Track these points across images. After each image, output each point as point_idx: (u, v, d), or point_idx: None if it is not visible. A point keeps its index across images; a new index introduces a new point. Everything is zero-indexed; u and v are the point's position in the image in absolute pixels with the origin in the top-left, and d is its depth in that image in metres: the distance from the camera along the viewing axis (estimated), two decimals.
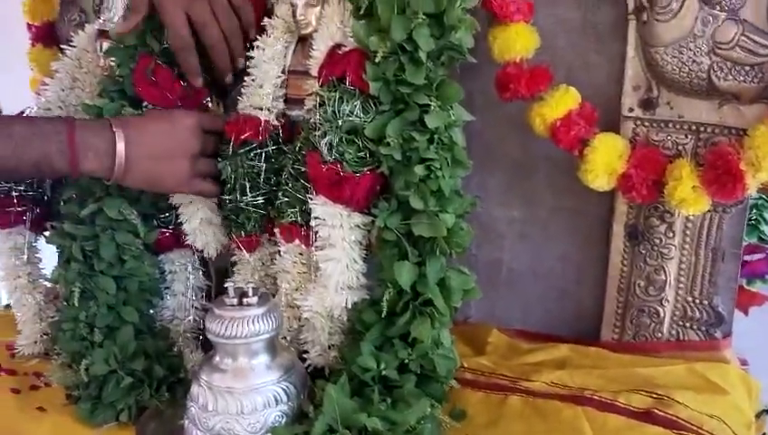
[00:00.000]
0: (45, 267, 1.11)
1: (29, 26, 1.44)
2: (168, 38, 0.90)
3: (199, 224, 0.96)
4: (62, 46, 1.11)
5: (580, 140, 0.88)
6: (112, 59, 0.96)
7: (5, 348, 1.07)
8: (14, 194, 1.05)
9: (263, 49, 0.91)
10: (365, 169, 0.80)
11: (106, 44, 1.04)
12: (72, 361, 0.91)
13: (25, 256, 1.08)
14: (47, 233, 1.10)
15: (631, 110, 0.90)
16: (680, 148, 0.88)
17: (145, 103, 0.93)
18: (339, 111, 0.80)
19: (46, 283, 1.10)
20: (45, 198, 1.08)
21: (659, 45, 0.85)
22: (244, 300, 0.78)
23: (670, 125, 0.89)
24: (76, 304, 0.92)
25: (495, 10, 0.87)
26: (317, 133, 0.81)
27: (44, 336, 1.06)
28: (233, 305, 0.78)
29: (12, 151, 0.81)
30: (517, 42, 0.88)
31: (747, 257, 1.25)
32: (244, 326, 0.76)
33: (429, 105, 0.77)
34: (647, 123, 0.90)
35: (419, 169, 0.77)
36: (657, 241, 0.93)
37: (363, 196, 0.81)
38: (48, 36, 1.33)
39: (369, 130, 0.79)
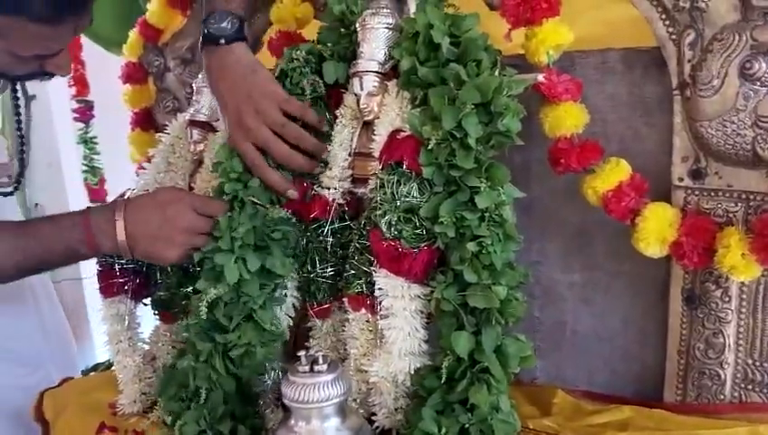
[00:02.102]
0: (143, 332, 1.23)
1: None
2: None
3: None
4: (157, 134, 1.24)
5: (631, 210, 0.92)
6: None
7: (108, 407, 1.18)
8: (116, 267, 1.18)
9: (333, 136, 1.00)
10: (422, 244, 0.87)
11: (195, 132, 1.16)
12: (170, 418, 1.00)
13: (126, 322, 1.19)
14: (146, 300, 1.23)
15: (681, 179, 0.94)
16: (731, 215, 0.90)
17: None
18: (397, 193, 0.88)
19: (145, 346, 1.21)
20: (144, 269, 1.20)
21: (704, 120, 0.89)
22: (315, 367, 0.85)
23: (720, 194, 0.91)
24: (201, 403, 0.98)
25: (544, 92, 0.93)
26: (377, 213, 0.89)
27: (143, 396, 1.17)
28: (305, 372, 0.85)
29: (42, 250, 1.01)
30: (567, 119, 0.94)
31: None
32: (315, 392, 0.84)
33: (479, 187, 0.84)
34: (697, 192, 0.93)
35: (472, 246, 0.83)
36: (714, 305, 0.94)
37: (421, 269, 0.88)
38: (145, 121, 1.48)
39: (424, 211, 0.86)
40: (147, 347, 1.22)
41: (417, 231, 0.87)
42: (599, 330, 1.07)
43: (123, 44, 1.49)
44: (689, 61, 0.89)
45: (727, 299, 0.93)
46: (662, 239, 0.91)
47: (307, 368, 0.86)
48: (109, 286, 1.18)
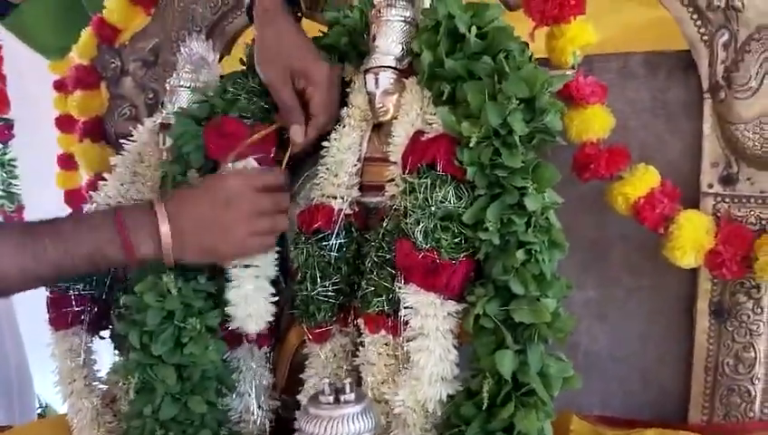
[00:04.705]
0: (101, 370, 1.07)
1: (62, 122, 1.45)
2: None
3: (248, 293, 0.91)
4: (120, 141, 1.10)
5: (665, 217, 0.87)
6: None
7: None
8: (71, 293, 1.02)
9: (338, 139, 0.91)
10: (461, 255, 0.79)
11: (169, 138, 1.03)
12: None
13: (81, 359, 1.04)
14: (103, 333, 1.07)
15: (711, 186, 0.90)
16: (764, 223, 0.88)
17: None
18: (431, 198, 0.79)
19: (102, 386, 1.05)
20: (103, 296, 1.05)
21: (739, 122, 0.86)
22: (341, 397, 0.74)
23: (752, 200, 0.88)
24: (132, 397, 0.88)
25: (573, 93, 0.88)
26: (409, 221, 0.79)
27: None
28: (329, 404, 0.74)
29: (64, 250, 0.80)
30: (594, 123, 0.89)
31: None
32: (343, 426, 0.72)
33: (527, 188, 0.76)
34: (727, 199, 0.89)
35: (520, 254, 0.75)
36: (745, 318, 0.91)
37: (459, 283, 0.79)
38: (96, 131, 1.32)
39: (467, 216, 0.77)
40: (105, 387, 1.05)
41: (456, 240, 0.78)
42: (614, 350, 1.02)
43: (65, 50, 1.34)
44: (723, 62, 0.86)
45: (759, 311, 0.90)
46: (698, 248, 0.87)
47: (331, 398, 0.74)
48: (61, 316, 1.03)
